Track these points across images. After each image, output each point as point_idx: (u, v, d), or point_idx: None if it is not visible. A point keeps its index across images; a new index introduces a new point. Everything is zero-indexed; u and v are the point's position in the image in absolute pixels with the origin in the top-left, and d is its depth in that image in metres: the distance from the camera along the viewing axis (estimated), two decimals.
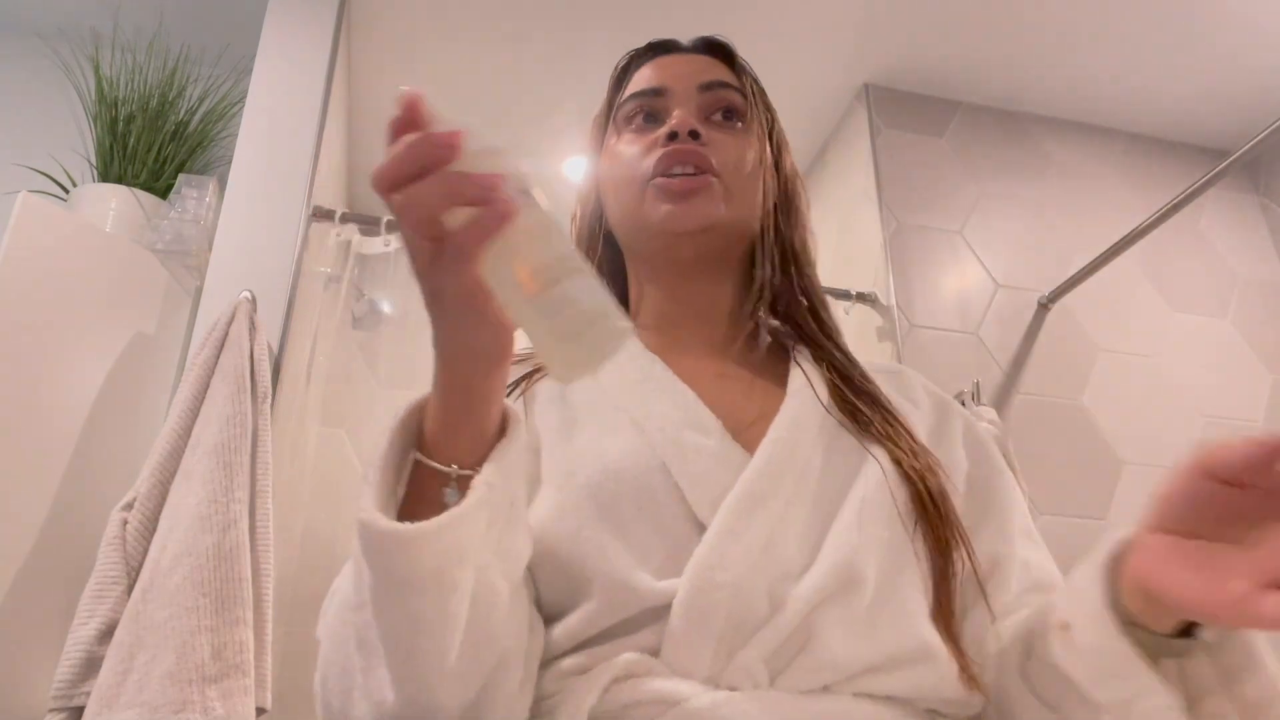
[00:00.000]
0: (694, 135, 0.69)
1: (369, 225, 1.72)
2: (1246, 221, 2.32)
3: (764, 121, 0.76)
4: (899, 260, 1.98)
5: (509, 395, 0.67)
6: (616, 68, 0.80)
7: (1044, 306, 2.02)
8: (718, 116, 0.73)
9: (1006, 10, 2.00)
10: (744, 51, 0.80)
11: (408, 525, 0.44)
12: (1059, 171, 2.24)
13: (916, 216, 2.06)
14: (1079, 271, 1.91)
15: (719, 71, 0.75)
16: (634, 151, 0.72)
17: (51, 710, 1.08)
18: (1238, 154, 1.52)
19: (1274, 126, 1.43)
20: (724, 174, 0.69)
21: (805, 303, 0.73)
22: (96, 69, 1.82)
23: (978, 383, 1.84)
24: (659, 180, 0.69)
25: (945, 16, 2.01)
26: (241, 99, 1.75)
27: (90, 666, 1.10)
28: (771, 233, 0.73)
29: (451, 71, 2.16)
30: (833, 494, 0.59)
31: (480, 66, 2.15)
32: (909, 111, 2.19)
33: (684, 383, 0.65)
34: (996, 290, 2.03)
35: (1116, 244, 1.81)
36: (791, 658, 0.53)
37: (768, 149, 0.75)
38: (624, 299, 0.78)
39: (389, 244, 1.71)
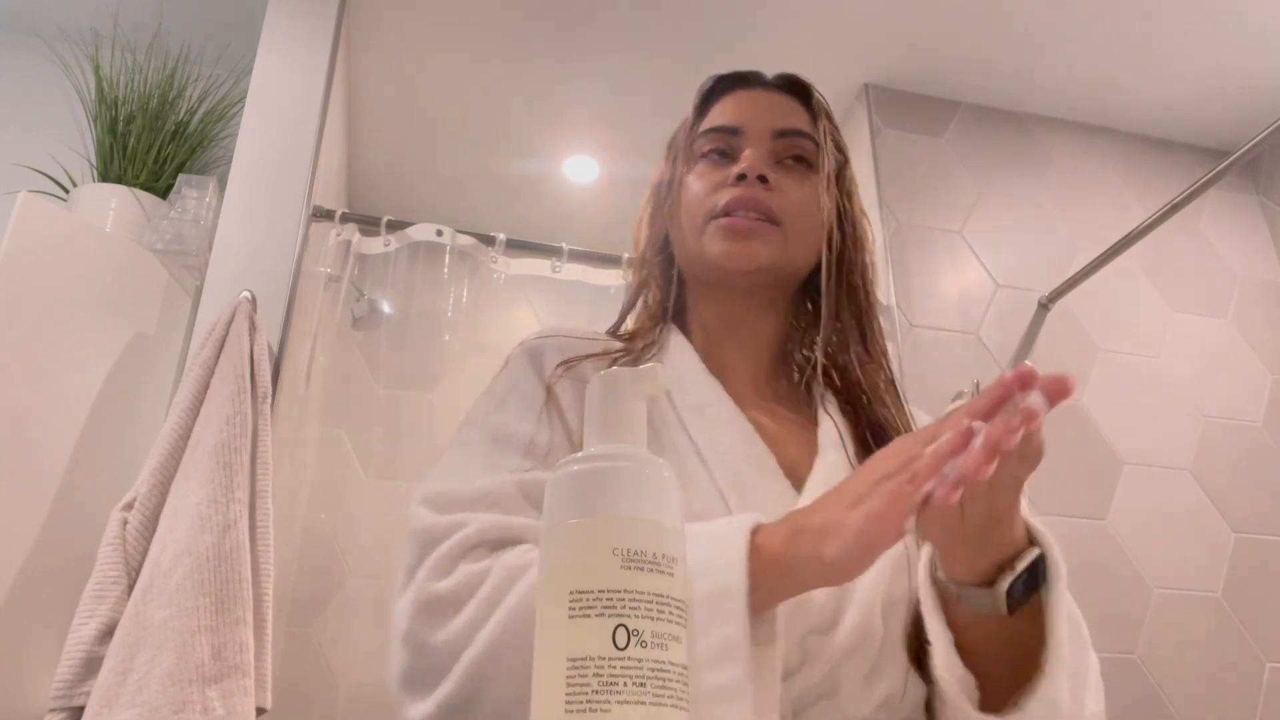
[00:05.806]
0: (762, 180, 0.72)
1: (369, 225, 1.72)
2: (1246, 221, 2.32)
3: (834, 165, 0.78)
4: (899, 260, 1.98)
5: (570, 370, 0.69)
6: (700, 91, 0.82)
7: (1044, 306, 2.01)
8: (788, 160, 0.76)
9: (1007, 10, 2.00)
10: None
11: None
12: (1059, 171, 2.24)
13: (916, 216, 2.06)
14: (1079, 271, 1.91)
15: (795, 116, 0.78)
16: (703, 186, 0.75)
17: (51, 710, 1.08)
18: (1238, 154, 1.52)
19: (1274, 126, 1.43)
20: (785, 220, 0.72)
21: (862, 349, 0.75)
22: (96, 69, 1.82)
23: (978, 382, 1.84)
24: (722, 220, 0.72)
25: (945, 16, 2.01)
26: (241, 99, 1.75)
27: (90, 666, 1.10)
28: (833, 278, 0.74)
29: (452, 71, 2.16)
30: None
31: (481, 66, 2.15)
32: (909, 111, 2.19)
33: (742, 415, 0.67)
34: (996, 290, 2.03)
35: (1116, 244, 1.81)
36: (814, 703, 0.55)
37: (834, 194, 0.76)
38: (680, 309, 0.81)
39: (389, 244, 1.71)
